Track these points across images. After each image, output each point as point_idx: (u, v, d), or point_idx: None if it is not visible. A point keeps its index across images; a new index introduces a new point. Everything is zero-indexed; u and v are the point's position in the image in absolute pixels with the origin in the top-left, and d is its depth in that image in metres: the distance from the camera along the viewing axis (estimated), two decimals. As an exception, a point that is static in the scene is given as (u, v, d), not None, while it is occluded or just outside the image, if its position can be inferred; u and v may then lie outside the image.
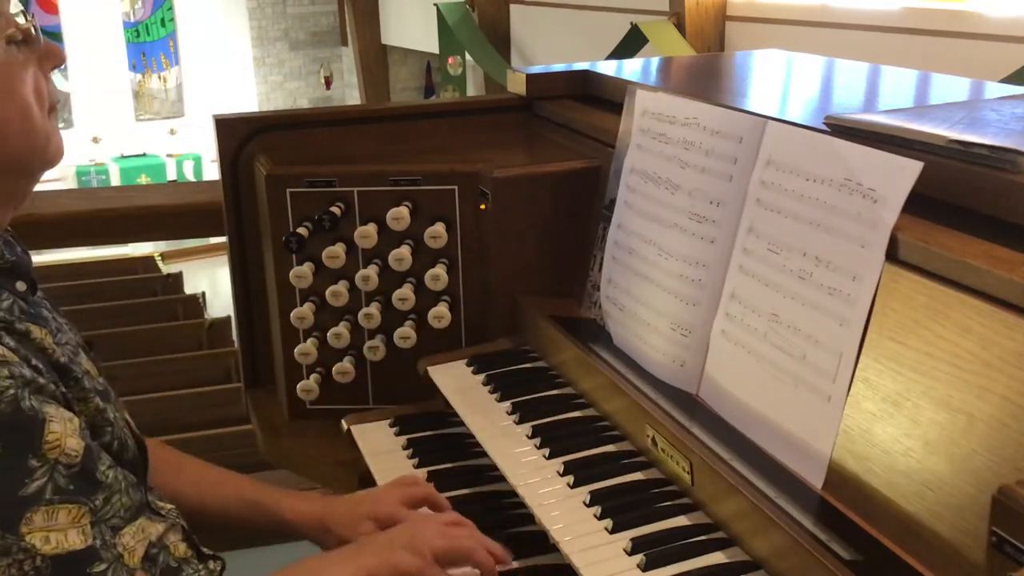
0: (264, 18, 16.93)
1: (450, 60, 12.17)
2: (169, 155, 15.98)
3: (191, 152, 15.96)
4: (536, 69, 2.43)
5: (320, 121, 2.30)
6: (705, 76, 2.47)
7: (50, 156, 1.30)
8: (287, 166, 2.07)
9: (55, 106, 1.32)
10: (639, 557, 1.34)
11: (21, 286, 1.28)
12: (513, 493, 1.57)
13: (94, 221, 2.88)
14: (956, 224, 1.32)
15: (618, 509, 1.45)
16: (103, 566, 1.14)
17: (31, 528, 1.10)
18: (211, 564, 1.39)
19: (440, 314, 2.01)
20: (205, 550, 1.42)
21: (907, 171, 1.31)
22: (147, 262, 9.21)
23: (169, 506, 1.41)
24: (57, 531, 1.11)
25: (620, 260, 1.83)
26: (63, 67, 15.30)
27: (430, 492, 1.62)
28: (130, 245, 10.38)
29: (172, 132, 16.21)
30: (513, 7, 11.95)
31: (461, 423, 1.80)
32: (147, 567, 1.22)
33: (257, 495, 1.63)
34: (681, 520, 1.43)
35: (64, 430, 1.14)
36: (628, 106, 1.87)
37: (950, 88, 2.08)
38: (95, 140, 15.69)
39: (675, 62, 2.83)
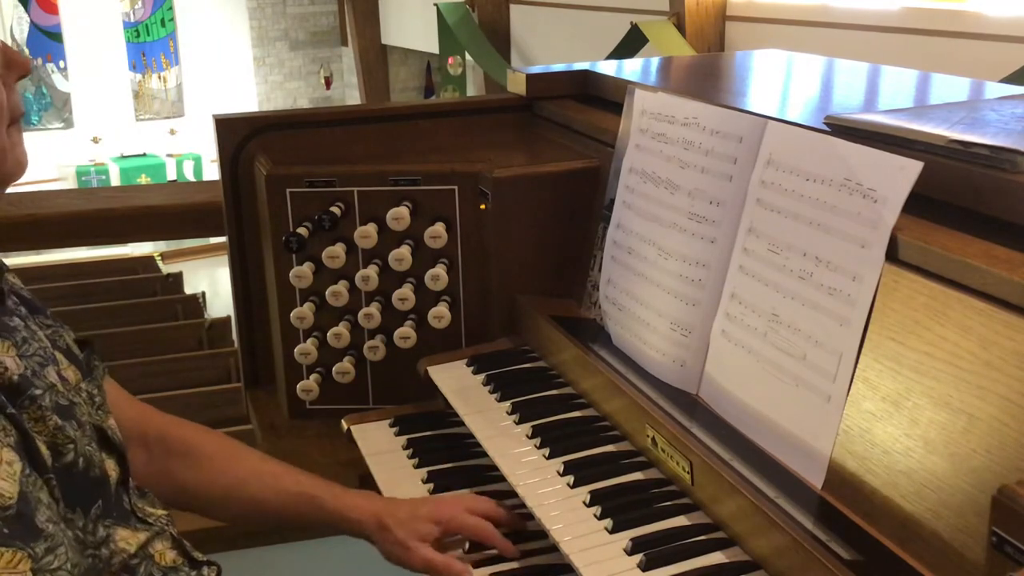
0: (264, 18, 16.94)
1: (450, 60, 12.17)
2: (169, 155, 16.00)
3: (191, 152, 15.97)
4: (536, 69, 2.43)
5: (320, 121, 2.30)
6: (705, 76, 2.47)
7: (8, 171, 1.24)
8: (287, 166, 2.07)
9: (18, 119, 1.25)
10: (639, 557, 1.34)
11: None
12: (513, 493, 1.57)
13: (94, 221, 2.87)
14: (956, 224, 1.31)
15: (618, 509, 1.44)
16: None
17: None
18: (205, 570, 1.38)
19: (440, 314, 2.01)
20: (197, 555, 1.41)
21: (907, 171, 1.31)
22: (147, 262, 9.20)
23: (160, 512, 1.38)
24: None
25: (619, 260, 1.83)
26: (63, 67, 15.38)
27: (493, 504, 1.60)
28: (130, 245, 10.38)
29: (172, 132, 16.22)
30: (513, 7, 11.96)
31: (461, 423, 1.80)
32: None
33: (316, 489, 1.62)
34: (681, 520, 1.43)
35: None
36: (628, 106, 1.87)
37: (950, 88, 2.08)
38: (95, 140, 15.70)
39: (675, 62, 2.82)
